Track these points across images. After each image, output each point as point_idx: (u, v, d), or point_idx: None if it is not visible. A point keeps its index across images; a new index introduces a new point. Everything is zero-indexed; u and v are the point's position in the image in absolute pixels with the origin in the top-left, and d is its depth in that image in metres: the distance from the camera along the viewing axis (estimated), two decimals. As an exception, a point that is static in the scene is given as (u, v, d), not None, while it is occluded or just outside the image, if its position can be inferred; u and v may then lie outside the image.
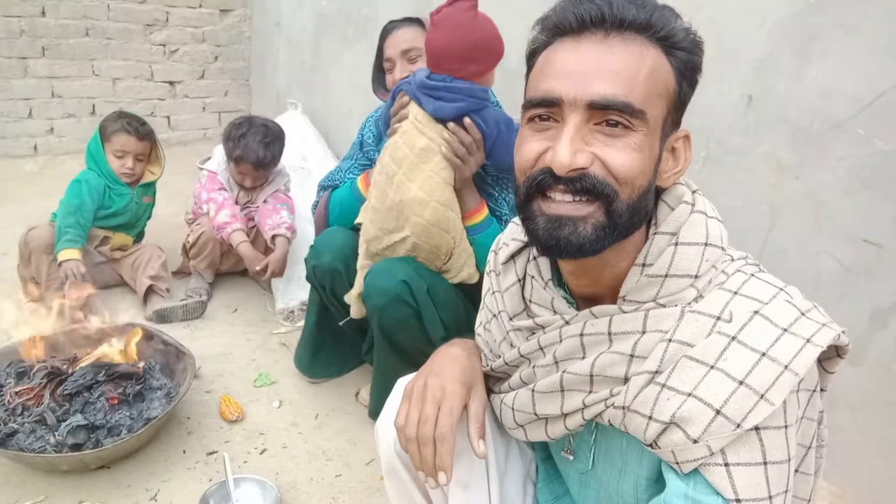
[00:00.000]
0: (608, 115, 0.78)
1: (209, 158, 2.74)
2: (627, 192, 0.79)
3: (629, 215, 0.81)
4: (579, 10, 0.79)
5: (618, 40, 0.79)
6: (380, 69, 2.03)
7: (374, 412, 1.95)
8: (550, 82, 0.80)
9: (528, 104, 0.84)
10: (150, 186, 2.74)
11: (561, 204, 0.81)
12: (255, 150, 2.53)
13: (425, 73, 1.64)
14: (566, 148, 0.77)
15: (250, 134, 2.54)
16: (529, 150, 0.83)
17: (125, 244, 2.71)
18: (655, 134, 0.81)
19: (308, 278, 1.98)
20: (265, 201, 2.69)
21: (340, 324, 1.97)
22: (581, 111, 0.78)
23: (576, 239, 0.80)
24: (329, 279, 1.89)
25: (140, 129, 2.57)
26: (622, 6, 0.78)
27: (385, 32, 1.97)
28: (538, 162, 0.82)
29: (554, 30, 0.83)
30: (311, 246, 1.97)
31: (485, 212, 1.72)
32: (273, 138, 2.59)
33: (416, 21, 1.93)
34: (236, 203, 2.67)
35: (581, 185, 0.79)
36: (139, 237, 2.83)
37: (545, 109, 0.81)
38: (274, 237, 2.54)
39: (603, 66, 0.78)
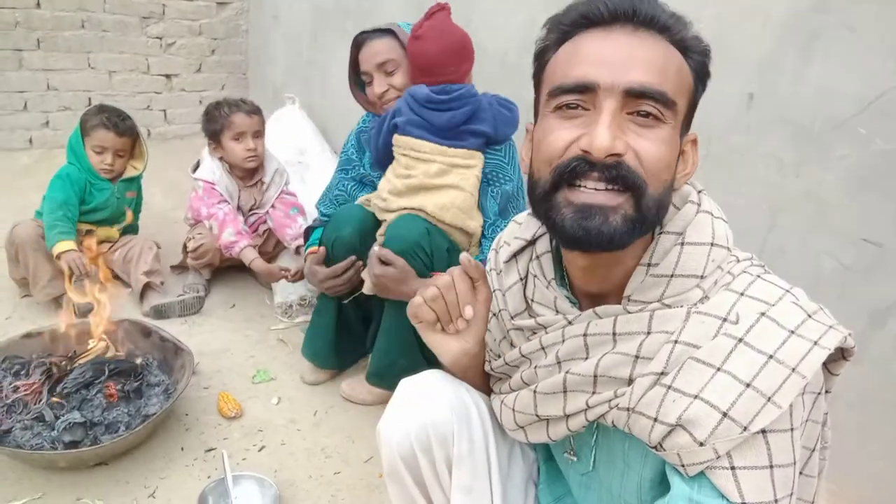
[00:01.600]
0: (642, 104, 0.78)
1: (198, 165, 2.66)
2: (655, 185, 0.79)
3: (656, 209, 0.81)
4: (612, 1, 0.80)
5: (647, 35, 0.80)
6: (356, 79, 2.02)
7: (373, 374, 1.97)
8: (584, 68, 0.79)
9: (559, 90, 0.81)
10: (134, 181, 2.69)
11: (592, 193, 0.79)
12: (239, 102, 2.57)
13: (425, 90, 1.74)
14: (606, 131, 0.76)
15: (228, 98, 2.60)
16: (559, 138, 0.81)
17: (110, 237, 2.67)
18: (678, 130, 0.82)
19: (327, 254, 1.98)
20: (274, 206, 2.66)
21: (345, 302, 1.99)
22: (617, 98, 0.77)
23: (607, 229, 0.78)
24: (347, 254, 1.90)
25: (120, 125, 2.52)
26: (651, 4, 0.80)
27: (357, 44, 1.95)
28: (568, 151, 0.80)
29: (580, 20, 0.83)
30: (329, 220, 1.98)
31: None
32: (245, 98, 2.65)
33: (388, 32, 1.90)
34: (240, 209, 2.64)
35: (617, 172, 0.77)
36: (130, 230, 2.78)
37: (577, 96, 0.80)
38: (298, 248, 2.51)
39: (638, 56, 0.78)
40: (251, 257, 2.47)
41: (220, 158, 2.60)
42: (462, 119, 1.73)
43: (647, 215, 0.80)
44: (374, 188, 1.97)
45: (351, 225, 1.87)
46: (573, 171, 0.79)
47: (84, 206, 2.52)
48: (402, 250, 1.71)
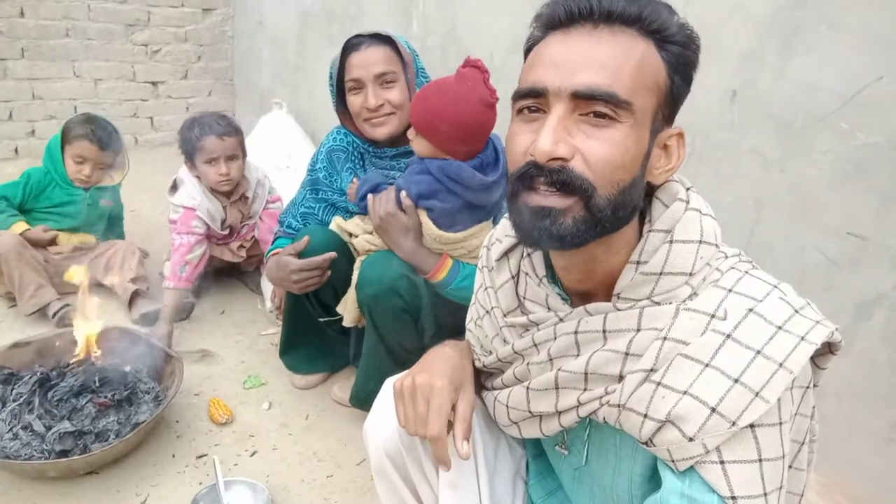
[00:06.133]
0: (593, 105, 0.78)
1: (174, 185, 2.51)
2: (606, 188, 0.79)
3: (611, 210, 0.80)
4: (569, 3, 0.80)
5: (606, 32, 0.79)
6: (340, 87, 1.82)
7: (355, 398, 1.95)
8: (537, 73, 0.81)
9: (517, 95, 0.84)
10: (109, 189, 2.65)
11: (545, 195, 0.80)
12: (212, 122, 2.42)
13: (476, 175, 1.58)
14: (548, 136, 0.78)
15: (204, 117, 2.46)
16: (518, 143, 0.83)
17: (85, 242, 2.63)
18: (643, 127, 0.80)
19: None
20: (262, 219, 2.65)
21: (321, 320, 1.97)
22: (566, 101, 0.78)
23: (556, 230, 0.80)
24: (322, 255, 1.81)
25: (104, 139, 2.48)
26: None
27: (349, 48, 1.75)
28: (524, 156, 0.82)
29: (546, 24, 0.84)
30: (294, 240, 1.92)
31: (447, 266, 1.68)
32: (225, 115, 2.52)
33: (386, 40, 1.74)
34: (229, 227, 2.59)
35: (559, 177, 0.78)
36: (113, 235, 2.74)
37: (532, 100, 0.82)
38: None
39: (589, 57, 0.78)
40: (166, 301, 2.35)
41: (198, 178, 2.49)
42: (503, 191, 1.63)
43: (600, 217, 0.80)
44: (347, 211, 1.89)
45: (322, 245, 1.78)
46: (524, 176, 0.81)
47: (48, 202, 2.50)
48: (376, 294, 1.64)
